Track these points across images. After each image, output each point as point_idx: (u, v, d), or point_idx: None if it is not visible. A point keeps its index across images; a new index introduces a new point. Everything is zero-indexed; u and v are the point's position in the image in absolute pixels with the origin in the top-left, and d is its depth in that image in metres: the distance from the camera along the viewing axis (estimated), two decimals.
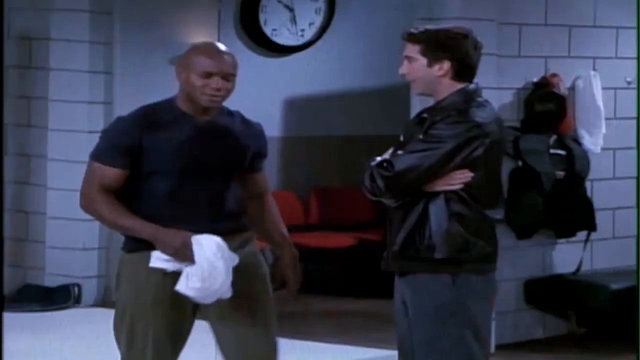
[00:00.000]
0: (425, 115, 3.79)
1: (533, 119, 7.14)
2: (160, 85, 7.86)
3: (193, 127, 3.72)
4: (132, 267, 3.74)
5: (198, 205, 3.74)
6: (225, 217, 3.80)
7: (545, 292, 7.18)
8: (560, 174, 7.24)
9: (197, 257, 3.57)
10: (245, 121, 3.88)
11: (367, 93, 9.67)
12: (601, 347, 7.28)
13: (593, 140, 7.42)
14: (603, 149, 7.45)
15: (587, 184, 7.46)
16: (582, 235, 7.39)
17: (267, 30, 9.13)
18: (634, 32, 7.65)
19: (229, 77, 3.72)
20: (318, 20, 9.39)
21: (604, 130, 7.43)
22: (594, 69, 7.55)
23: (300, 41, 9.38)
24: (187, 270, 3.58)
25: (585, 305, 7.47)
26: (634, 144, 7.75)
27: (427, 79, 3.77)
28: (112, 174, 3.67)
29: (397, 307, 3.88)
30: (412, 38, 3.79)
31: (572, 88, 7.40)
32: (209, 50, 3.76)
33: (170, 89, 8.00)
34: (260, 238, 3.97)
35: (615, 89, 7.74)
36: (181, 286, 3.57)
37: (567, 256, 7.44)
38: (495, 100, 6.51)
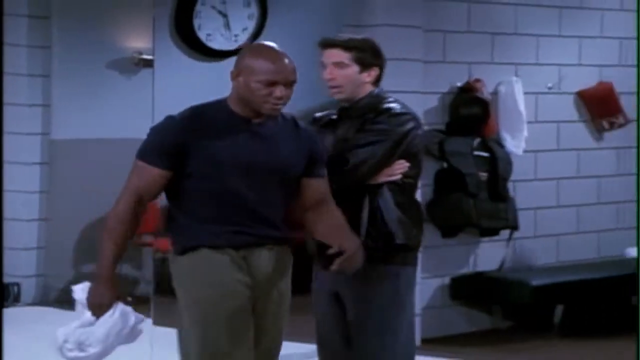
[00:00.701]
0: (334, 116, 3.91)
1: (457, 122, 7.17)
2: (97, 88, 7.91)
3: (245, 129, 3.58)
4: (200, 263, 3.57)
5: (244, 208, 3.60)
6: (271, 223, 3.65)
7: (470, 288, 7.24)
8: (484, 175, 7.25)
9: (100, 321, 3.53)
10: (297, 125, 3.71)
11: (294, 93, 9.53)
12: (524, 340, 7.34)
13: (515, 143, 7.46)
14: (525, 151, 7.51)
15: (510, 185, 7.48)
16: (505, 234, 7.44)
17: (202, 35, 8.88)
18: (555, 40, 7.87)
19: (291, 84, 3.57)
20: (251, 25, 9.17)
21: (525, 133, 7.48)
22: (516, 75, 7.62)
23: (234, 46, 9.07)
24: (68, 335, 3.54)
25: (508, 300, 7.53)
26: (554, 146, 7.94)
27: (355, 84, 3.88)
28: (154, 173, 3.55)
29: (326, 301, 3.93)
30: (344, 45, 3.89)
31: (495, 93, 7.46)
32: (271, 55, 3.57)
33: (107, 92, 8.06)
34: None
35: (536, 94, 7.80)
36: (57, 346, 3.55)
37: (490, 254, 7.51)
38: (421, 104, 6.65)
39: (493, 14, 7.60)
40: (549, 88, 7.89)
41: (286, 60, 3.57)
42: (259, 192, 3.58)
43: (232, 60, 10.21)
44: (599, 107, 8.12)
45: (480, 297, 7.47)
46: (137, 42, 7.99)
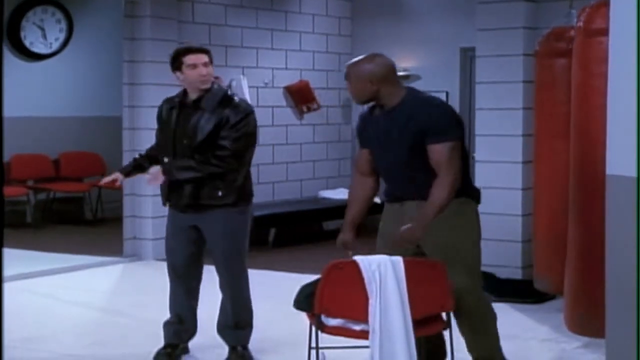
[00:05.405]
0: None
1: None
2: None
3: None
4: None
5: None
6: None
7: None
8: None
9: None
10: None
11: (92, 84, 10.33)
12: (248, 252, 7.01)
13: None
14: None
15: None
16: None
17: (27, 43, 9.96)
18: (269, 51, 8.76)
19: None
20: (62, 36, 10.20)
21: None
22: (243, 74, 8.47)
23: (49, 51, 10.20)
24: None
25: None
26: (270, 123, 8.71)
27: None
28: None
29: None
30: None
31: (229, 86, 7.99)
32: None
33: None
34: None
35: (257, 87, 8.70)
36: None
37: None
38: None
39: (226, 33, 8.53)
40: (266, 84, 8.83)
41: None
42: None
43: (48, 61, 10.51)
44: (300, 97, 9.07)
45: None
46: None
